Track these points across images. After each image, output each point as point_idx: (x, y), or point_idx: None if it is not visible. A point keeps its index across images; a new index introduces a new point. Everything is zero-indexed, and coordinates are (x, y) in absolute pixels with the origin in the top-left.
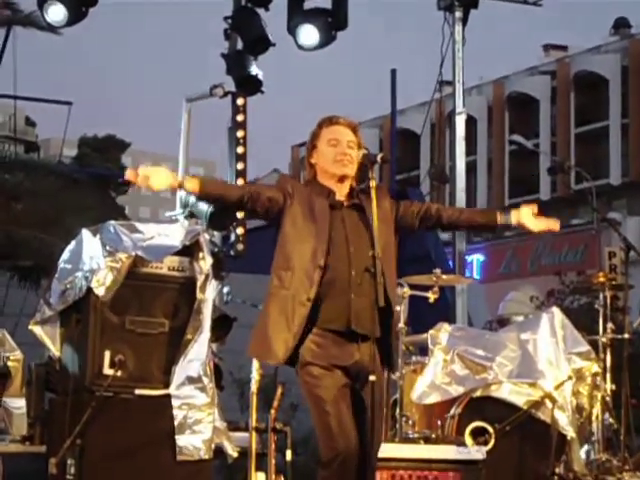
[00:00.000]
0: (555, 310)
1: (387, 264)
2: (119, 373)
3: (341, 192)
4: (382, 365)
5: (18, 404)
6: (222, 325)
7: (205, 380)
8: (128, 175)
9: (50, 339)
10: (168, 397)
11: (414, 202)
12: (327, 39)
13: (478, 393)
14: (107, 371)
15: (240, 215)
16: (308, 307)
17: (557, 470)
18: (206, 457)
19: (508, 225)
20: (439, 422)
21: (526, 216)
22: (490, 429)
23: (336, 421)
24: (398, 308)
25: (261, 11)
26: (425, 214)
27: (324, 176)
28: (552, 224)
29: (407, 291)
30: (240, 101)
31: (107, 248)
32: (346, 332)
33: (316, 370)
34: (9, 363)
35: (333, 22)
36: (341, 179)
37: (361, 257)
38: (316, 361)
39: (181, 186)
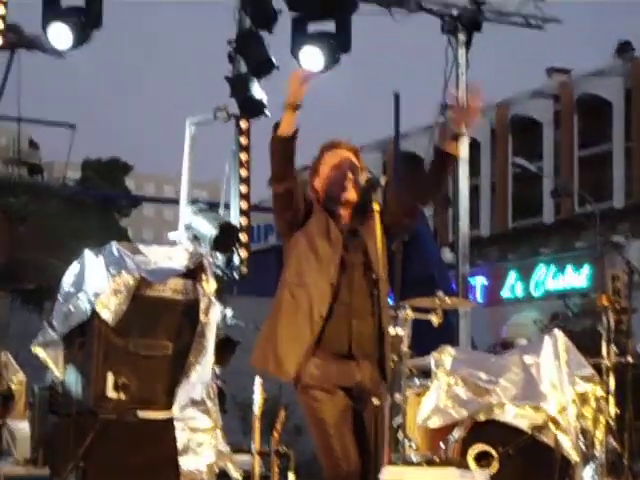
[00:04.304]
0: (558, 333)
1: (384, 287)
2: (122, 396)
3: (344, 215)
4: (382, 387)
5: (21, 426)
6: (225, 348)
7: (208, 403)
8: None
9: (53, 362)
10: (171, 420)
11: (390, 203)
12: (331, 62)
13: (482, 416)
14: (110, 394)
15: (243, 238)
16: (320, 325)
17: None
18: None
19: (455, 136)
20: (442, 445)
21: (456, 116)
22: (494, 452)
23: (339, 443)
24: (401, 331)
25: (265, 34)
26: (405, 206)
27: (328, 200)
28: (476, 97)
29: (410, 314)
30: (244, 124)
31: (111, 270)
32: (347, 354)
33: (318, 393)
34: (12, 386)
35: (337, 45)
36: (345, 204)
37: (361, 281)
38: (318, 383)
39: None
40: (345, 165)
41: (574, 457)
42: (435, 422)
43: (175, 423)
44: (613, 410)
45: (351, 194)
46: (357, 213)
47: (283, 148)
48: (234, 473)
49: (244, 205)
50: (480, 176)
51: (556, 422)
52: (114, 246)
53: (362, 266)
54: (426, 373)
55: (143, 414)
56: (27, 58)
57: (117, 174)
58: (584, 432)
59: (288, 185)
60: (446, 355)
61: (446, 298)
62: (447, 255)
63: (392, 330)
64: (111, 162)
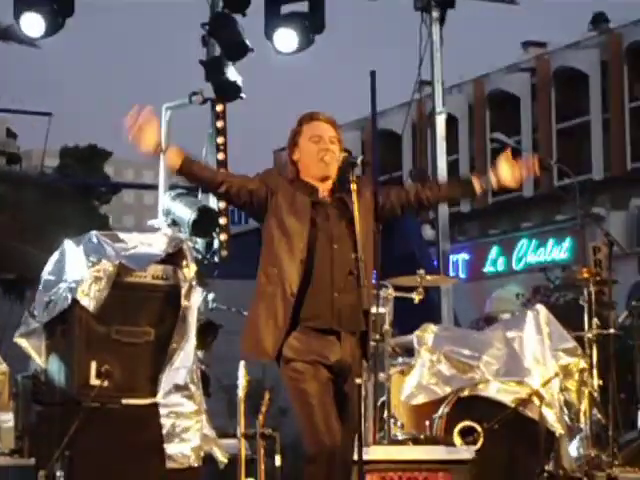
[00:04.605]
0: (540, 307)
1: (367, 264)
2: (106, 383)
3: (324, 188)
4: (363, 364)
5: (5, 417)
6: (208, 332)
7: (192, 388)
8: (128, 122)
9: (36, 351)
10: (155, 406)
11: (392, 189)
12: (305, 43)
13: (466, 393)
14: (94, 382)
15: (223, 222)
16: (292, 302)
17: (547, 467)
18: (195, 465)
19: (490, 189)
20: (427, 423)
21: (505, 173)
22: (478, 428)
23: (321, 415)
24: (383, 310)
25: (238, 17)
26: (406, 202)
27: (307, 173)
28: (531, 166)
29: (391, 293)
30: (219, 107)
31: (90, 258)
32: (328, 330)
33: (300, 365)
34: None
35: (310, 25)
36: (323, 178)
37: (343, 256)
38: (299, 357)
39: (161, 152)
40: (325, 137)
41: (559, 430)
42: (419, 400)
43: (159, 409)
44: (596, 382)
45: (330, 168)
46: (338, 186)
47: (185, 174)
48: (220, 457)
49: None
50: (459, 152)
51: (540, 396)
52: (93, 234)
53: (345, 239)
54: (409, 351)
55: (127, 401)
56: (2, 47)
57: (96, 161)
58: (568, 405)
59: (221, 189)
60: (428, 332)
61: (427, 275)
62: (428, 232)
63: (374, 309)
64: (89, 149)
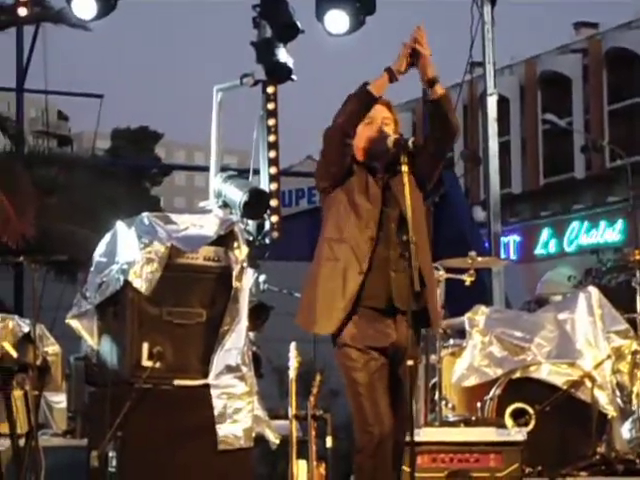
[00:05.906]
0: (592, 289)
1: (423, 247)
2: (158, 364)
3: (379, 169)
4: (417, 348)
5: (58, 398)
6: (259, 314)
7: (244, 369)
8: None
9: (88, 332)
10: (207, 387)
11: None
12: (356, 24)
13: (517, 374)
14: (146, 363)
15: (274, 204)
16: (360, 280)
17: (599, 449)
18: (247, 446)
19: (430, 81)
20: (479, 404)
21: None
22: (530, 410)
23: (371, 405)
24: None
25: None
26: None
27: (365, 156)
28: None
29: (443, 274)
30: (270, 89)
31: (142, 240)
32: (386, 309)
33: (353, 353)
34: (48, 358)
35: (361, 7)
36: (381, 157)
37: (398, 237)
38: (353, 343)
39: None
40: (378, 118)
41: (611, 412)
42: (471, 381)
43: (211, 390)
44: None
45: (384, 145)
46: (389, 168)
47: (365, 105)
48: (271, 438)
49: (273, 170)
50: (510, 133)
51: (592, 378)
52: (145, 216)
53: (397, 220)
54: (460, 333)
55: (179, 382)
56: (54, 30)
57: (147, 142)
58: (620, 387)
59: (349, 140)
60: (480, 314)
61: (478, 257)
62: (479, 214)
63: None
64: (141, 130)
